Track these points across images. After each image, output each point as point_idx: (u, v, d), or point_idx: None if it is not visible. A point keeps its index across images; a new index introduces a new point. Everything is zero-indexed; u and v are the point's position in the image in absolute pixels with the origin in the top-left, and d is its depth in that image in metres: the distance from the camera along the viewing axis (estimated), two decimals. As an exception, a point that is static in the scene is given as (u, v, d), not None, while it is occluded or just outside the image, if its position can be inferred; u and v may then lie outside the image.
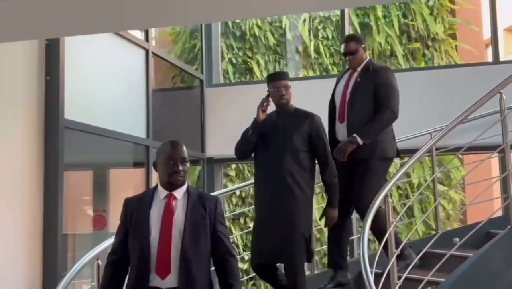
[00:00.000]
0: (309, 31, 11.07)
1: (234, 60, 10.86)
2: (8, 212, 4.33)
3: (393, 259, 3.72)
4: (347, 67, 4.51)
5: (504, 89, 4.60)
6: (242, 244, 9.72)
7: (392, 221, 3.81)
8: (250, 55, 10.98)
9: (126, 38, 5.87)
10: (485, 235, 4.72)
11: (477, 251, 4.23)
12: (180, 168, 2.91)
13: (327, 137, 4.13)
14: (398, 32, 11.06)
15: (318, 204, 6.70)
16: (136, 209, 2.94)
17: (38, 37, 4.42)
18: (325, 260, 4.79)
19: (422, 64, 10.96)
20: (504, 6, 7.01)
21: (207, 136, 7.44)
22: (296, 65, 11.19)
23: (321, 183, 4.13)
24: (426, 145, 4.29)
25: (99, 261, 4.01)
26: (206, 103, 7.54)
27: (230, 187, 8.72)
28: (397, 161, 7.62)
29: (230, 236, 3.52)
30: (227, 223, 6.87)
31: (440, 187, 9.26)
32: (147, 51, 6.23)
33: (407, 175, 9.93)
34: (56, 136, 4.62)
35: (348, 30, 7.60)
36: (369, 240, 4.12)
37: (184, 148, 2.99)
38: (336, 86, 4.50)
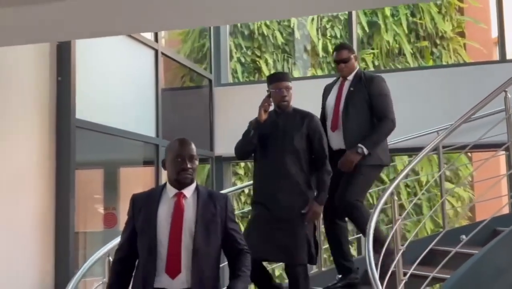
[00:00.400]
0: (317, 30, 11.11)
1: (242, 59, 10.91)
2: (21, 210, 4.41)
3: (399, 256, 3.75)
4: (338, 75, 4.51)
5: (509, 87, 4.61)
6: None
7: (398, 219, 3.85)
8: (258, 54, 11.03)
9: (136, 39, 5.93)
10: (492, 232, 4.75)
11: (482, 248, 4.25)
12: (189, 165, 2.86)
13: (325, 136, 4.12)
14: (406, 31, 11.08)
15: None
16: (144, 207, 2.89)
17: (52, 40, 4.50)
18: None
19: (431, 63, 10.96)
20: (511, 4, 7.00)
21: (216, 134, 7.48)
22: (305, 64, 11.23)
23: None
24: (431, 144, 4.32)
25: (110, 258, 4.05)
26: (214, 102, 7.59)
27: (239, 185, 8.77)
28: (405, 158, 7.67)
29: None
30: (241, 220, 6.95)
31: (448, 185, 9.28)
32: (156, 51, 6.28)
33: (416, 173, 9.95)
34: (68, 136, 4.69)
35: (356, 29, 7.64)
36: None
37: (193, 146, 2.95)
38: (327, 95, 4.48)
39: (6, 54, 4.24)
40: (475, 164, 8.39)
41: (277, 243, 3.79)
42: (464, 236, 4.30)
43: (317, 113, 4.32)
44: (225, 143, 7.35)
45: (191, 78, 7.75)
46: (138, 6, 3.06)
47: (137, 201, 2.95)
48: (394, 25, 11.06)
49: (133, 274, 2.94)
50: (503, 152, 5.14)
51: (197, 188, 2.94)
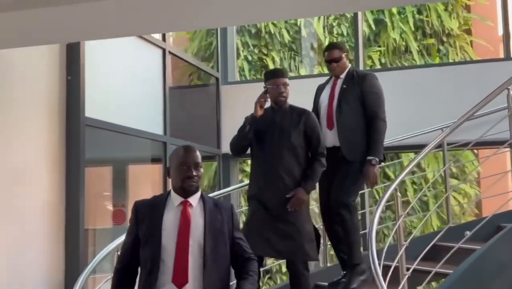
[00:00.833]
0: (324, 28, 11.13)
1: (249, 58, 10.95)
2: (32, 207, 4.48)
3: (402, 251, 3.81)
4: (330, 75, 4.50)
5: (512, 85, 4.67)
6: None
7: (401, 215, 3.91)
8: (265, 52, 11.07)
9: (144, 39, 6.00)
10: (496, 229, 4.78)
11: (485, 244, 4.29)
12: (194, 173, 2.80)
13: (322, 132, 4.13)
14: (413, 28, 11.08)
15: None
16: (149, 215, 2.82)
17: (63, 41, 4.57)
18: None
19: (437, 60, 10.97)
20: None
21: (223, 132, 7.53)
22: (311, 62, 11.26)
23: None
24: (434, 141, 4.36)
25: (119, 252, 4.10)
26: (221, 100, 7.64)
27: (246, 182, 8.81)
28: (411, 155, 7.70)
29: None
30: (242, 217, 7.01)
31: (453, 182, 9.31)
32: (164, 50, 6.35)
33: (422, 170, 9.99)
34: (77, 134, 4.75)
35: (362, 27, 7.68)
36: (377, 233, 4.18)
37: (198, 153, 2.88)
38: (319, 94, 4.49)
39: (18, 54, 4.32)
40: (479, 161, 8.43)
41: (277, 240, 3.79)
42: (468, 232, 4.34)
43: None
44: (232, 141, 7.40)
45: (198, 77, 7.81)
46: (148, 8, 3.12)
47: (140, 208, 2.88)
48: (401, 23, 11.06)
49: (136, 283, 2.88)
50: (507, 149, 5.17)
51: (202, 196, 2.90)
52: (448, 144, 5.02)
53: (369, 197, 6.74)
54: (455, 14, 11.27)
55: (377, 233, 8.78)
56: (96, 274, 5.08)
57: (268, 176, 3.88)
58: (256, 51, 11.05)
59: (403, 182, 10.00)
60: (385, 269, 3.71)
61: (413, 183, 10.34)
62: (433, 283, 5.31)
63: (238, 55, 10.34)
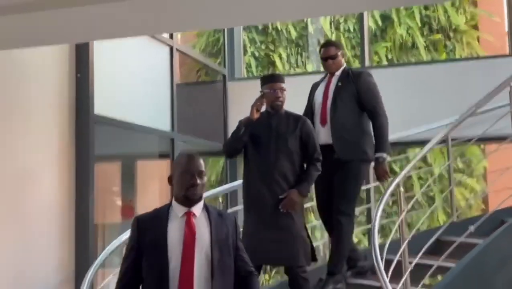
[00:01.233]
0: (330, 24, 11.15)
1: (256, 54, 11.00)
2: (43, 202, 4.57)
3: (404, 245, 3.87)
4: (325, 73, 4.51)
5: (514, 82, 4.70)
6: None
7: (404, 210, 3.97)
8: (272, 48, 11.10)
9: (152, 36, 6.07)
10: (500, 223, 4.82)
11: (486, 238, 4.34)
12: (198, 181, 2.71)
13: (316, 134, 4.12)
14: (419, 24, 11.06)
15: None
16: (151, 227, 2.72)
17: (72, 42, 4.66)
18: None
19: (444, 56, 10.97)
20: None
21: (230, 128, 7.55)
22: (318, 58, 11.24)
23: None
24: (437, 136, 4.42)
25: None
26: (228, 97, 7.68)
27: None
28: (417, 150, 7.73)
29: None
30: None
31: (458, 176, 9.35)
32: (171, 48, 6.42)
33: (429, 165, 10.02)
34: (87, 131, 4.82)
35: (368, 23, 7.71)
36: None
37: (201, 161, 2.79)
38: (313, 92, 4.50)
39: (28, 53, 4.40)
40: (490, 156, 8.42)
41: (274, 246, 3.76)
42: (472, 227, 4.37)
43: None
44: (239, 137, 7.45)
45: (205, 73, 7.87)
46: (157, 9, 3.18)
47: (142, 222, 2.77)
48: (407, 19, 11.06)
49: None
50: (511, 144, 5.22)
51: (205, 206, 2.82)
52: (452, 140, 5.07)
53: (374, 192, 6.78)
54: (462, 9, 11.25)
55: (383, 228, 8.86)
56: (105, 268, 5.16)
57: (265, 180, 3.84)
58: (263, 47, 11.09)
59: (409, 177, 10.06)
60: (388, 263, 3.77)
61: (420, 178, 10.38)
62: (439, 277, 5.36)
63: (245, 51, 10.37)
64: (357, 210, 9.77)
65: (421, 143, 6.43)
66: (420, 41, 10.94)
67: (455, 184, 4.81)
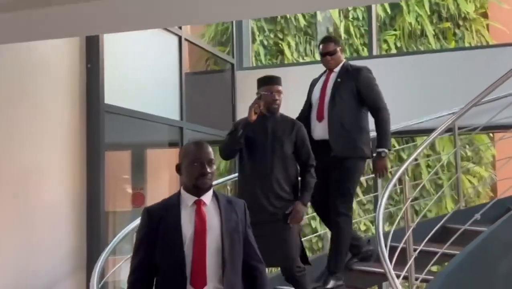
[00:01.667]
0: (339, 12, 11.10)
1: (265, 42, 11.00)
2: (55, 191, 4.65)
3: (409, 232, 3.93)
4: (324, 69, 4.53)
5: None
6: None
7: (409, 198, 4.02)
8: (281, 37, 11.09)
9: (161, 26, 6.14)
10: (506, 211, 4.85)
11: (491, 225, 4.38)
12: (208, 170, 2.67)
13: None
14: (428, 12, 11.00)
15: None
16: (164, 217, 2.68)
17: (83, 34, 4.72)
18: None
19: (453, 44, 10.92)
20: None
21: (238, 117, 7.53)
22: (327, 46, 11.27)
23: None
24: (443, 125, 4.45)
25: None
26: (236, 86, 7.71)
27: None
28: (426, 138, 7.75)
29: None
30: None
31: (465, 164, 9.36)
32: (180, 37, 6.47)
33: (437, 153, 10.04)
34: (97, 120, 4.89)
35: (376, 11, 7.71)
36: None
37: (210, 149, 2.75)
38: (312, 88, 4.50)
39: (40, 43, 4.46)
40: (499, 144, 8.43)
41: (267, 248, 3.62)
42: (479, 215, 4.39)
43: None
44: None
45: (214, 62, 7.91)
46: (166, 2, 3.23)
47: (153, 212, 2.74)
48: (417, 7, 11.00)
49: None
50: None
51: (214, 193, 2.79)
52: (459, 128, 5.10)
53: (382, 180, 6.82)
54: (471, -3, 11.20)
55: (391, 215, 8.88)
56: (116, 256, 5.25)
57: (262, 183, 3.83)
58: (271, 35, 11.08)
59: (417, 165, 10.08)
60: (394, 250, 3.83)
61: (428, 166, 10.40)
62: (446, 264, 5.40)
63: (254, 40, 10.37)
64: (365, 198, 9.87)
65: (430, 131, 6.43)
66: (429, 29, 10.88)
67: (461, 172, 4.83)
